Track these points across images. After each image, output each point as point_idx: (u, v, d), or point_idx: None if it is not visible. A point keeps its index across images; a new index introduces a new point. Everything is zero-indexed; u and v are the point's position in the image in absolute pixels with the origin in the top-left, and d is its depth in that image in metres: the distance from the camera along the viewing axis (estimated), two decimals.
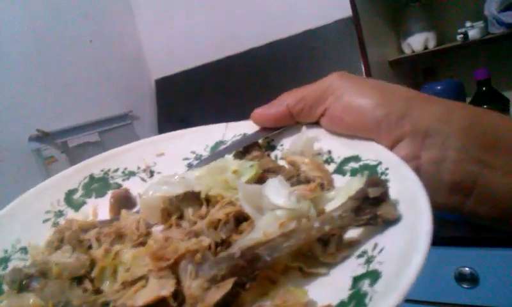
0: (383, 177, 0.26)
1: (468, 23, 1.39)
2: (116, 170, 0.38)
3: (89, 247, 0.28)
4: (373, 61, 1.49)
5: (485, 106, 1.24)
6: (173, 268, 0.23)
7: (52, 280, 0.26)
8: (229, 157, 0.34)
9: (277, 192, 0.26)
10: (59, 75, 1.95)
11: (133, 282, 0.23)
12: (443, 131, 0.26)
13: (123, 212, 0.31)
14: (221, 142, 0.37)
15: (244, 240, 0.24)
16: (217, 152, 0.36)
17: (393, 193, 0.24)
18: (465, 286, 1.09)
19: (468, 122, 0.27)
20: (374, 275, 0.20)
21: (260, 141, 0.35)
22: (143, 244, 0.27)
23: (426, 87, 1.39)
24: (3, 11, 1.81)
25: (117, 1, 2.29)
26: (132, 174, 0.38)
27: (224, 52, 2.03)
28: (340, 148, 0.30)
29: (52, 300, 0.24)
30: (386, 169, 0.26)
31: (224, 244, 0.25)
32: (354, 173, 0.28)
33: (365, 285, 0.20)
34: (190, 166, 0.36)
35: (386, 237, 0.22)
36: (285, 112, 0.32)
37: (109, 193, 0.36)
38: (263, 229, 0.24)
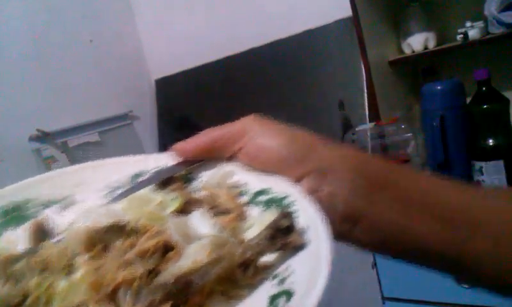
0: (290, 208, 0.30)
1: (468, 23, 1.39)
2: (35, 200, 0.37)
3: (19, 277, 0.28)
4: (373, 61, 1.50)
5: (485, 106, 1.24)
6: (111, 297, 0.24)
7: None
8: (151, 189, 0.35)
9: (202, 223, 0.29)
10: (59, 75, 1.95)
11: None
12: (339, 170, 0.31)
13: (46, 242, 0.31)
14: (141, 174, 0.38)
15: (176, 268, 0.26)
16: (138, 184, 0.36)
17: (300, 222, 0.28)
18: (465, 286, 1.09)
19: (359, 165, 0.32)
20: (288, 294, 0.24)
21: (179, 173, 0.37)
22: (69, 273, 0.28)
23: (426, 87, 1.39)
24: (3, 11, 1.81)
25: (117, 1, 2.29)
26: (50, 203, 0.37)
27: (225, 52, 2.03)
28: (253, 182, 0.34)
29: None
30: (293, 201, 0.30)
31: (153, 272, 0.26)
32: (265, 204, 0.32)
33: (281, 302, 0.24)
34: (109, 196, 0.36)
35: (295, 261, 0.26)
36: (205, 147, 0.36)
37: (27, 223, 0.35)
38: (192, 257, 0.26)
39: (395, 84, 1.61)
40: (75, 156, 1.89)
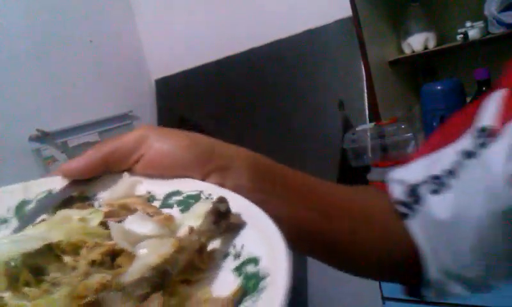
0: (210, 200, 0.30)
1: (468, 23, 1.39)
2: None
3: None
4: (373, 61, 1.50)
5: None
6: (94, 304, 0.23)
7: None
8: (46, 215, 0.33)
9: (140, 225, 0.29)
10: (59, 75, 1.95)
11: None
12: (237, 167, 0.34)
13: None
14: (25, 202, 0.35)
15: (142, 265, 0.26)
16: (32, 212, 0.33)
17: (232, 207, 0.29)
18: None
19: (253, 162, 0.35)
20: (254, 260, 0.24)
21: (72, 194, 0.34)
22: None
23: (426, 87, 1.39)
24: (3, 11, 1.81)
25: (117, 1, 2.29)
26: None
27: (224, 52, 2.03)
28: (159, 187, 0.34)
29: None
30: (210, 194, 0.31)
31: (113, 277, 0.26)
32: (180, 204, 0.32)
33: (249, 268, 0.24)
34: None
35: (242, 237, 0.27)
36: (97, 163, 0.34)
37: None
38: (155, 252, 0.27)
39: (395, 84, 1.61)
40: (75, 156, 1.88)
